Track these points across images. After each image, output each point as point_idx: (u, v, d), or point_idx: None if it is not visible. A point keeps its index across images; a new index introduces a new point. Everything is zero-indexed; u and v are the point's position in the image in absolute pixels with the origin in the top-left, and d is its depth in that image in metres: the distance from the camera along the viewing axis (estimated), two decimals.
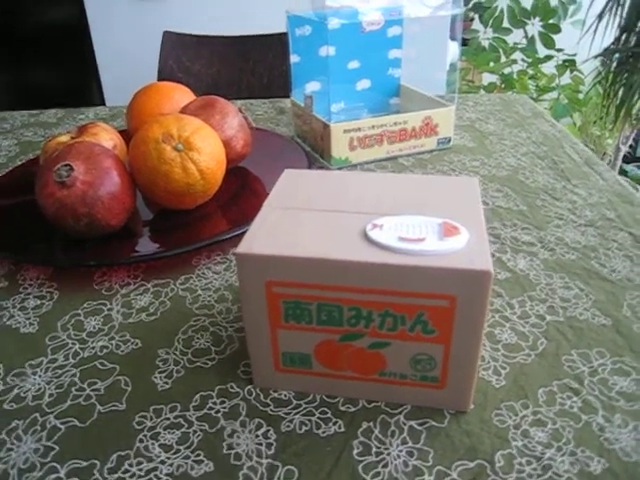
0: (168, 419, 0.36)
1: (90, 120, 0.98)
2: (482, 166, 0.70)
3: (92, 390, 0.39)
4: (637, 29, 1.80)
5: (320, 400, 0.37)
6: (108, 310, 0.47)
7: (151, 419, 0.36)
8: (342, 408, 0.37)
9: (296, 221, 0.35)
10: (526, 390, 0.37)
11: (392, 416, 0.36)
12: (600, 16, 1.82)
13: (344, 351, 0.35)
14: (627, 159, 2.33)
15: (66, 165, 0.50)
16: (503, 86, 2.04)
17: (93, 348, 0.43)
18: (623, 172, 2.30)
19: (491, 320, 0.44)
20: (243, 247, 0.33)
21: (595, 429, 0.34)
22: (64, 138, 0.60)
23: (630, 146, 2.24)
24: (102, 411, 0.37)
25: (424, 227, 0.33)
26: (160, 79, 1.36)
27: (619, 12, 1.79)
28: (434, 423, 0.35)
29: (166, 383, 0.39)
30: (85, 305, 0.48)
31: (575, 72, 2.04)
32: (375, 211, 0.36)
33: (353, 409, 0.36)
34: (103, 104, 1.88)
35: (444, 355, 0.34)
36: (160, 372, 0.40)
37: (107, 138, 0.62)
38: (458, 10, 0.70)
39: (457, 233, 0.32)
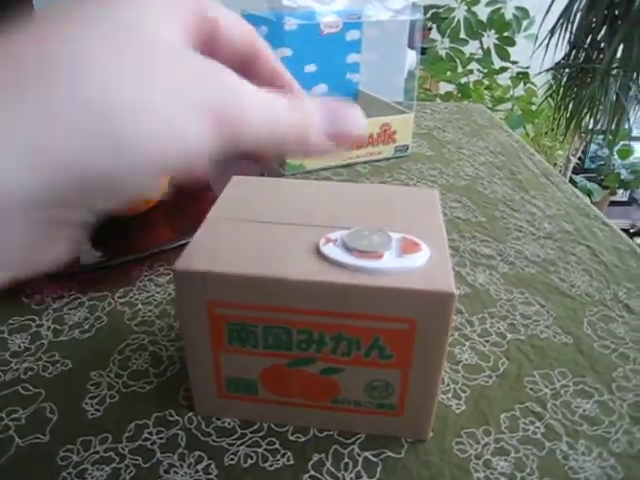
0: (97, 452, 0.33)
1: None
2: (440, 175, 0.69)
3: (11, 420, 0.34)
4: (586, 46, 1.85)
5: (267, 429, 0.34)
6: (37, 327, 0.43)
7: (78, 453, 0.32)
8: (291, 438, 0.34)
9: (242, 234, 0.32)
10: (487, 415, 0.35)
11: (346, 446, 0.33)
12: (552, 31, 1.86)
13: (293, 377, 0.32)
14: (576, 170, 2.39)
15: None
16: (460, 95, 2.06)
17: (16, 370, 0.38)
18: (573, 183, 2.35)
19: (450, 339, 0.42)
20: (182, 263, 0.29)
21: (559, 457, 0.33)
22: None
23: (579, 158, 2.30)
24: (21, 445, 0.33)
25: (382, 242, 0.30)
26: None
27: (569, 29, 1.84)
28: (391, 454, 0.33)
29: (97, 410, 0.35)
30: (11, 321, 0.43)
31: (528, 84, 2.07)
32: (329, 224, 0.33)
33: (303, 438, 0.33)
34: None
35: (402, 381, 0.31)
36: (91, 397, 0.36)
37: None
38: (418, 15, 0.68)
39: (417, 250, 0.30)
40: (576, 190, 0.67)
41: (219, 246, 0.31)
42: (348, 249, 0.30)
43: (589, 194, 2.32)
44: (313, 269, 0.29)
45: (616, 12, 1.75)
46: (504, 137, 0.83)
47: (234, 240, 0.31)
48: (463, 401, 0.36)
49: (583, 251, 0.53)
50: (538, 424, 0.35)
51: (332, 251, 0.29)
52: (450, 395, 0.37)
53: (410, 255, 0.29)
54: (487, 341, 0.42)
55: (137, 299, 0.46)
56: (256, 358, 0.31)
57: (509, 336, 0.42)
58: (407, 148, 0.74)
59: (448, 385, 0.38)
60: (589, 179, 2.44)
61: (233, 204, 0.36)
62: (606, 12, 1.76)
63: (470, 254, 0.52)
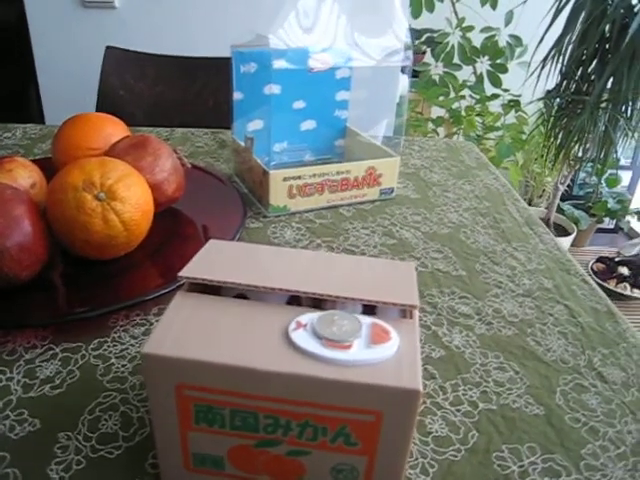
0: None
1: (17, 140, 0.92)
2: (424, 221, 0.69)
3: None
4: (576, 78, 1.87)
5: None
6: (7, 380, 0.42)
7: None
8: None
9: (213, 313, 0.32)
10: None
11: None
12: (544, 61, 1.88)
13: (260, 456, 0.32)
14: (564, 197, 2.41)
15: None
16: (451, 120, 2.07)
17: None
18: (560, 210, 2.37)
19: (422, 406, 0.42)
20: (151, 346, 0.29)
21: None
22: None
23: (568, 185, 2.32)
24: None
25: (351, 330, 0.30)
26: (100, 95, 1.30)
27: (561, 60, 1.86)
28: None
29: (62, 478, 0.35)
30: None
31: (520, 112, 2.09)
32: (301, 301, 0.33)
33: None
34: (41, 112, 1.79)
35: (367, 466, 0.31)
36: (57, 463, 0.36)
37: (25, 176, 0.57)
38: (407, 62, 0.69)
39: (387, 339, 0.30)
40: (557, 241, 0.67)
41: (188, 328, 0.31)
42: (318, 336, 0.30)
43: (576, 222, 2.34)
44: (281, 359, 0.29)
45: (607, 46, 1.77)
46: (491, 180, 0.83)
47: (204, 320, 0.31)
48: (430, 477, 0.36)
49: (561, 311, 0.54)
50: None
51: (301, 339, 0.29)
52: (418, 470, 0.37)
53: (379, 345, 0.29)
54: (458, 410, 0.42)
55: (111, 352, 0.46)
56: (223, 437, 0.31)
57: (481, 405, 0.42)
58: (392, 191, 0.74)
59: (417, 459, 0.38)
60: (576, 206, 2.46)
61: (206, 273, 0.36)
62: (597, 46, 1.78)
63: (448, 312, 0.52)
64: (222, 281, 0.34)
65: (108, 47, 1.27)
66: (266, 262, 0.37)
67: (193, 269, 0.35)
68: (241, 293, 0.35)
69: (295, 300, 0.35)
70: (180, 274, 0.35)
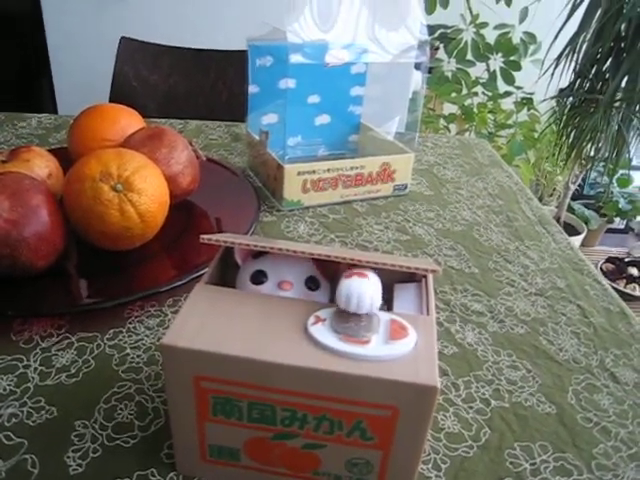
0: None
1: (32, 129, 0.92)
2: (437, 218, 0.69)
3: None
4: (590, 76, 1.85)
5: None
6: (24, 367, 0.43)
7: None
8: None
9: (231, 306, 0.32)
10: None
11: None
12: (558, 59, 1.86)
13: (276, 449, 0.32)
14: (574, 196, 2.39)
15: None
16: (463, 117, 2.06)
17: (0, 416, 0.39)
18: (571, 209, 2.36)
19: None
20: (170, 338, 0.29)
21: None
22: None
23: (579, 185, 2.31)
24: None
25: (370, 325, 0.30)
26: (114, 86, 1.30)
27: (575, 58, 1.84)
28: None
29: (79, 465, 0.35)
30: None
31: (532, 110, 2.08)
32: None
33: None
34: (54, 102, 1.80)
35: (382, 461, 0.31)
36: (74, 450, 0.36)
37: (42, 165, 0.58)
38: (423, 59, 0.69)
39: (404, 335, 0.30)
40: (570, 241, 0.67)
41: (207, 320, 0.31)
42: (336, 331, 0.30)
43: (586, 222, 2.33)
44: (300, 353, 0.29)
45: (622, 45, 1.75)
46: (503, 178, 0.83)
47: (222, 313, 0.32)
48: (443, 473, 0.37)
49: (573, 311, 0.54)
50: None
51: (320, 333, 0.30)
52: (430, 466, 0.37)
53: (397, 341, 0.30)
54: (471, 407, 0.42)
55: (126, 342, 0.46)
56: (240, 429, 0.32)
57: (493, 403, 0.42)
58: (406, 187, 0.74)
59: (429, 455, 0.38)
60: (587, 206, 2.45)
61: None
62: (612, 44, 1.77)
63: (461, 309, 0.52)
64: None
65: (123, 38, 1.27)
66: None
67: (210, 274, 0.36)
68: (260, 270, 0.35)
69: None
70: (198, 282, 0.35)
